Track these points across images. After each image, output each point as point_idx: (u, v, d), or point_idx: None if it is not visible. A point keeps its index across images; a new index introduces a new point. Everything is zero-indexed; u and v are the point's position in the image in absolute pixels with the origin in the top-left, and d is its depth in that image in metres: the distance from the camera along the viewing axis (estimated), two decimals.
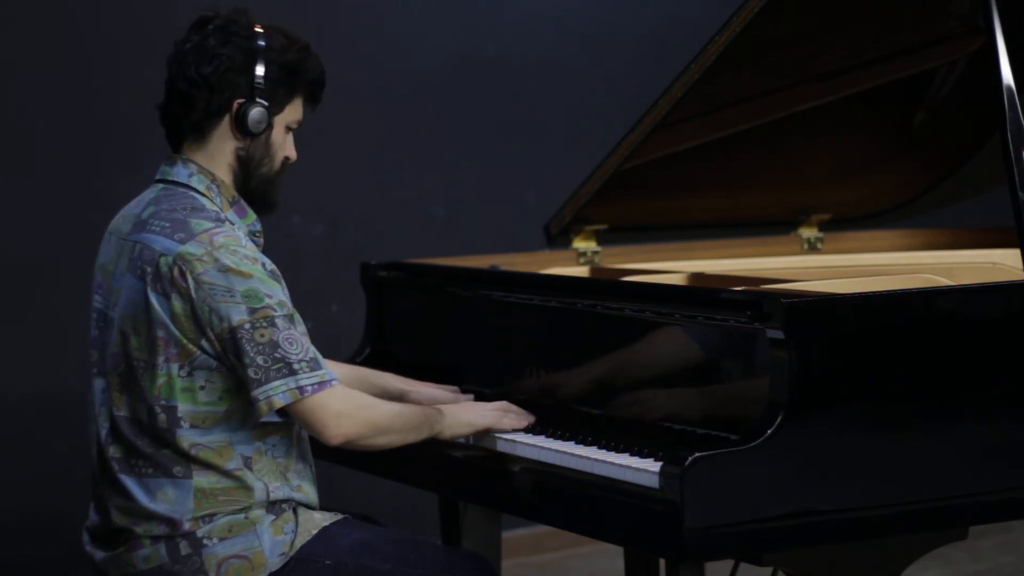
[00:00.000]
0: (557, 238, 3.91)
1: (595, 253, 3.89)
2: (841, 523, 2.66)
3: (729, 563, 3.24)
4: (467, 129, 5.16)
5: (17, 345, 4.43)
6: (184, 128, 2.83)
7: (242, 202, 2.85)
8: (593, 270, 3.83)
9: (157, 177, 2.87)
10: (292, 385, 2.68)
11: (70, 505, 4.19)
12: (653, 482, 2.59)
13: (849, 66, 3.58)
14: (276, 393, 2.67)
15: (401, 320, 3.56)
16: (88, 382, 2.86)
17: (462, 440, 3.02)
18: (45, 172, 4.48)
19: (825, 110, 3.68)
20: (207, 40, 2.81)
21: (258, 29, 2.84)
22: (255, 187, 2.87)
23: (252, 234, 2.86)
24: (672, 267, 3.62)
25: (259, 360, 2.67)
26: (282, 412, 2.73)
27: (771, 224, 4.13)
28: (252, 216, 2.87)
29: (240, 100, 2.81)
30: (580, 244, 3.90)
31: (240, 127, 2.82)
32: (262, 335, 2.68)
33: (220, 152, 2.84)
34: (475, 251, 4.08)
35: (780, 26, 3.30)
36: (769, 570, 2.99)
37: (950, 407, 2.75)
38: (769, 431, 2.59)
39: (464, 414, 2.95)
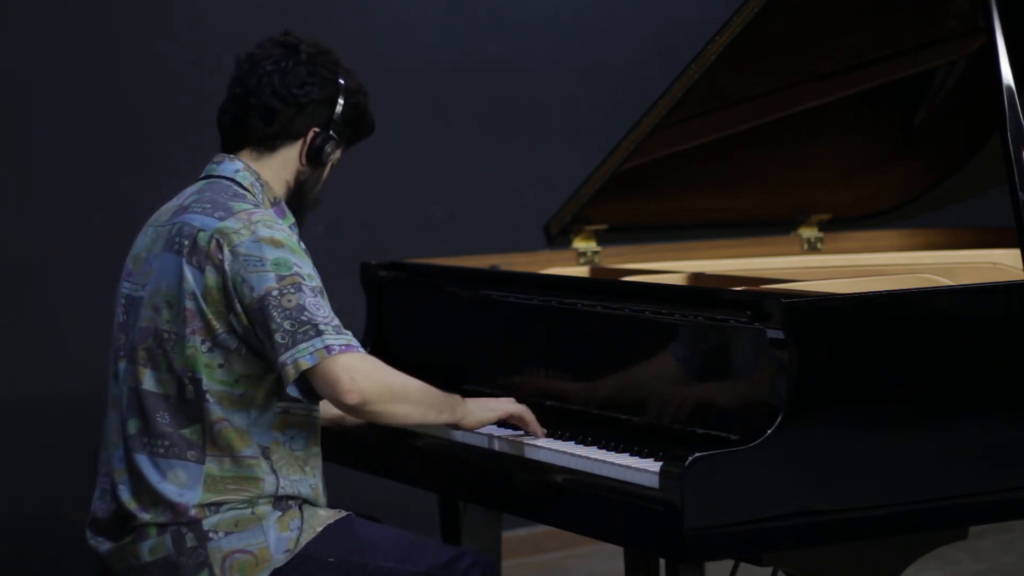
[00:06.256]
0: (557, 238, 3.91)
1: (595, 253, 3.90)
2: (841, 523, 2.66)
3: (729, 563, 3.24)
4: (467, 129, 5.16)
5: (17, 345, 4.43)
6: (253, 138, 2.91)
7: (283, 204, 2.93)
8: (593, 270, 3.83)
9: (202, 175, 2.95)
10: (319, 345, 2.69)
11: (70, 504, 4.19)
12: (653, 482, 2.59)
13: (849, 66, 3.58)
14: (303, 355, 2.69)
15: (401, 320, 3.57)
16: (106, 370, 2.88)
17: (458, 438, 3.02)
18: (48, 173, 4.48)
19: (825, 110, 3.68)
20: (299, 66, 2.90)
21: (340, 66, 2.95)
22: (296, 211, 2.96)
23: None
24: (672, 267, 3.62)
25: (286, 325, 2.70)
26: (302, 385, 2.72)
27: (771, 224, 4.13)
28: (291, 219, 2.95)
29: (316, 129, 2.92)
30: (580, 244, 3.90)
31: (310, 155, 2.93)
32: (289, 300, 2.71)
33: (281, 169, 2.93)
34: (475, 251, 4.07)
35: (780, 26, 3.30)
36: (769, 570, 2.99)
37: (950, 407, 2.75)
38: (769, 431, 2.59)
39: (487, 401, 2.95)
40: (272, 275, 2.73)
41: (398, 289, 3.58)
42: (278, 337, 2.70)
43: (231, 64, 2.98)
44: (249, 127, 2.90)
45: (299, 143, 2.92)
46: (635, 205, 3.92)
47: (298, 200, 2.96)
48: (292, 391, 2.73)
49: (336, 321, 2.74)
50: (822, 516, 2.64)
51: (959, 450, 2.75)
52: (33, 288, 4.45)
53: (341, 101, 2.93)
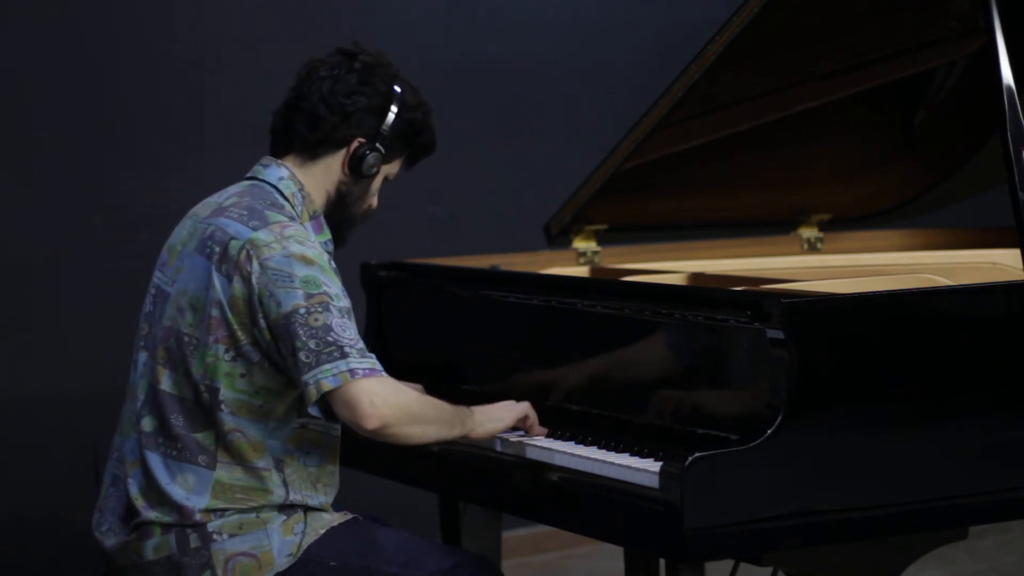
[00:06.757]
0: (557, 238, 3.91)
1: (595, 253, 3.90)
2: (841, 523, 2.66)
3: (729, 563, 3.24)
4: (467, 129, 5.16)
5: (17, 345, 4.43)
6: (297, 143, 2.90)
7: (322, 219, 2.91)
8: (593, 270, 3.83)
9: (248, 175, 2.93)
10: (343, 368, 2.67)
11: (70, 504, 4.19)
12: (653, 482, 2.60)
13: (849, 66, 3.58)
14: (326, 376, 2.67)
15: (401, 320, 3.57)
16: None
17: (460, 439, 3.03)
18: (48, 173, 4.48)
19: (825, 110, 3.68)
20: (351, 74, 2.89)
21: (397, 79, 2.93)
22: (338, 223, 2.95)
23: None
24: (672, 267, 3.62)
25: (311, 344, 2.68)
26: (323, 405, 2.71)
27: (771, 224, 4.13)
28: (327, 235, 2.93)
29: (361, 140, 2.90)
30: (580, 244, 3.90)
31: (352, 165, 2.91)
32: (316, 319, 2.69)
33: (323, 177, 2.91)
34: (475, 251, 4.07)
35: (780, 26, 3.30)
36: (769, 570, 2.99)
37: (950, 407, 2.75)
38: (769, 431, 2.59)
39: (493, 411, 2.94)
40: (300, 292, 2.71)
41: (398, 289, 3.58)
42: (302, 356, 2.68)
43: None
44: (295, 132, 2.89)
45: (342, 152, 2.90)
46: (635, 205, 3.92)
47: (339, 213, 2.94)
48: (313, 411, 2.72)
49: (361, 344, 2.72)
50: (822, 516, 2.64)
51: (959, 450, 2.75)
52: (33, 288, 4.45)
53: (393, 112, 2.91)
